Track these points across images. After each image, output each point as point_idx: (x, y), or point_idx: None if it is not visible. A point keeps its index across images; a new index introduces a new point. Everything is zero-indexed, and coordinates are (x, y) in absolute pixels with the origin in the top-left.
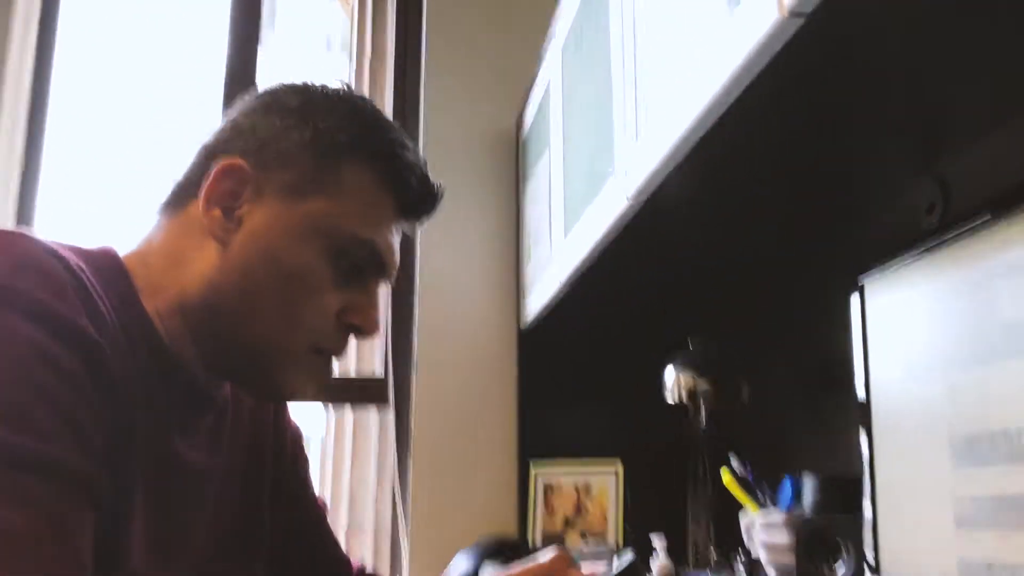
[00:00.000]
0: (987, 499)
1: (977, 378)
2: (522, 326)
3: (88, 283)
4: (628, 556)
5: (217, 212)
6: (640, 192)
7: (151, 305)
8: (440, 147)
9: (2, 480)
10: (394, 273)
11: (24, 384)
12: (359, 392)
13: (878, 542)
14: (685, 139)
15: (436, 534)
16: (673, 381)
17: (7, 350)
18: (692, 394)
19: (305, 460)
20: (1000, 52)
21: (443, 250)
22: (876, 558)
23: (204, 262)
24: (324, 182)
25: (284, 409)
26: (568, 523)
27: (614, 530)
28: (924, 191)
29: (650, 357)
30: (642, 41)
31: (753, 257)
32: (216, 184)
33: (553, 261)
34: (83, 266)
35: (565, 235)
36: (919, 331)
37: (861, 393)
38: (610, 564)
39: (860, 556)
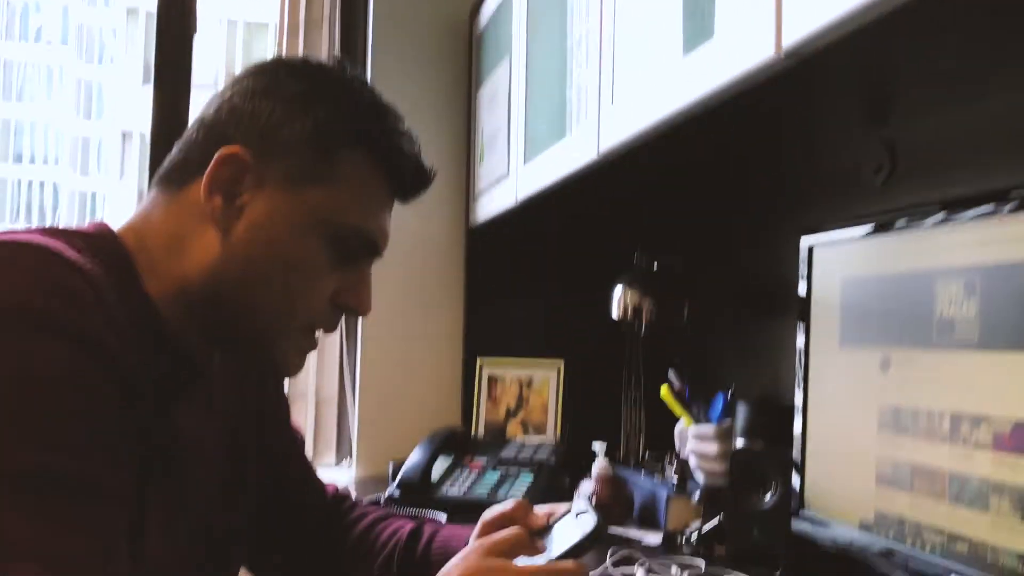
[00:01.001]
0: (906, 465)
1: (910, 357)
2: (471, 224)
3: (104, 291)
4: (590, 519)
5: (218, 199)
6: (612, 151)
7: (152, 288)
8: (390, 33)
9: (54, 506)
10: (384, 250)
11: (61, 408)
12: None
13: (804, 480)
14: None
15: (383, 416)
16: (619, 296)
17: (41, 373)
18: (636, 310)
19: (286, 399)
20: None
21: None
22: (801, 494)
23: (205, 250)
24: (323, 173)
25: None
26: (510, 414)
27: (553, 424)
28: (872, 151)
29: (597, 268)
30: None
31: (707, 193)
32: (217, 171)
33: (510, 179)
34: (92, 262)
35: (525, 162)
36: (861, 295)
37: (800, 340)
38: (576, 520)
39: (787, 489)
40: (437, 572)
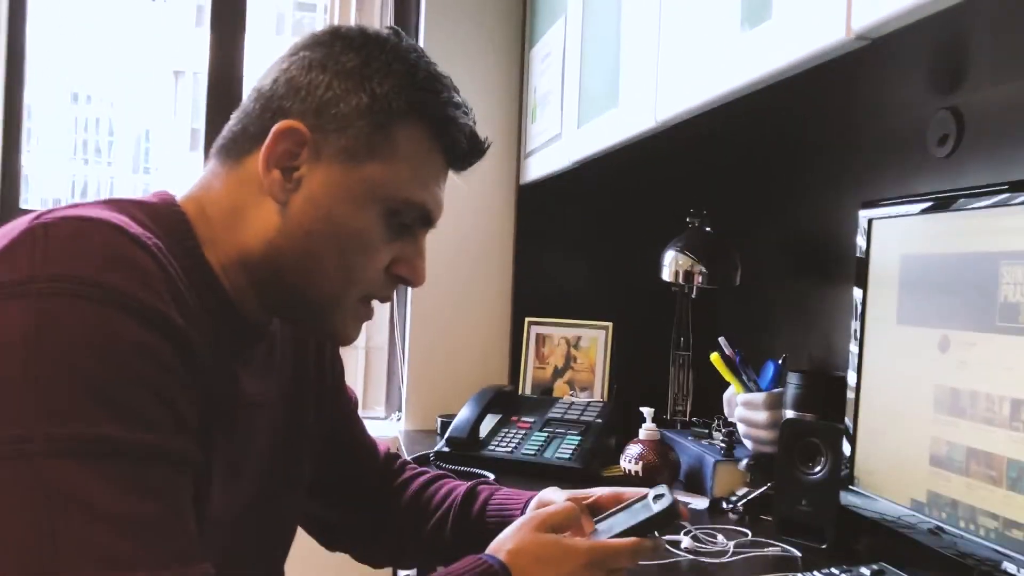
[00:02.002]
0: (961, 447)
1: (970, 340)
2: (521, 181)
3: (167, 263)
4: (666, 497)
5: (276, 173)
6: (669, 121)
7: (213, 257)
8: None
9: (126, 473)
10: (437, 221)
11: (130, 379)
12: None
13: (855, 454)
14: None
15: (432, 371)
16: (671, 258)
17: (110, 346)
18: (688, 273)
19: (340, 359)
20: None
21: None
22: (851, 468)
23: (264, 222)
24: (379, 146)
25: None
26: (558, 374)
27: (600, 385)
28: (939, 121)
29: (649, 230)
30: None
31: (765, 158)
32: (275, 145)
33: (563, 141)
34: (156, 235)
35: (578, 126)
36: (920, 273)
37: (857, 313)
38: (645, 503)
39: (837, 463)
40: (491, 535)
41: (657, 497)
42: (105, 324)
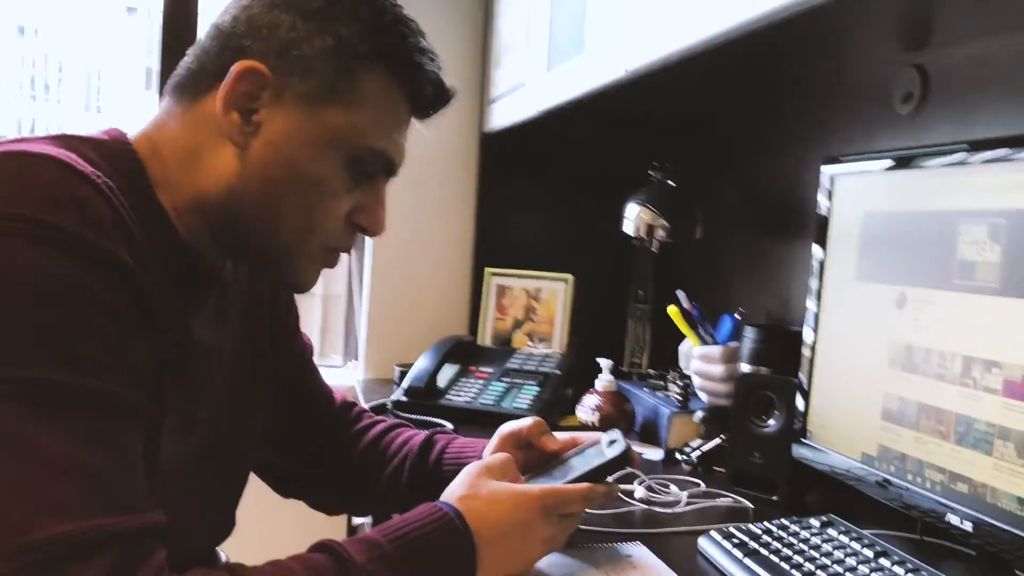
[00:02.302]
0: (913, 402)
1: (927, 297)
2: (484, 128)
3: (118, 203)
4: (620, 443)
5: (235, 116)
6: (640, 69)
7: (167, 200)
8: None
9: (72, 419)
10: (399, 169)
11: (78, 324)
12: None
13: (808, 408)
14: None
15: (391, 320)
16: (633, 212)
17: (53, 288)
18: (650, 227)
19: (296, 308)
20: None
21: None
22: (804, 422)
23: (222, 166)
24: (343, 91)
25: None
26: (518, 325)
27: (560, 336)
28: (904, 78)
29: (612, 183)
30: None
31: (730, 114)
32: (234, 85)
33: (529, 88)
34: (106, 173)
35: (547, 69)
36: (881, 230)
37: (816, 269)
38: (598, 448)
39: (790, 416)
40: (447, 484)
41: (611, 443)
42: (47, 264)
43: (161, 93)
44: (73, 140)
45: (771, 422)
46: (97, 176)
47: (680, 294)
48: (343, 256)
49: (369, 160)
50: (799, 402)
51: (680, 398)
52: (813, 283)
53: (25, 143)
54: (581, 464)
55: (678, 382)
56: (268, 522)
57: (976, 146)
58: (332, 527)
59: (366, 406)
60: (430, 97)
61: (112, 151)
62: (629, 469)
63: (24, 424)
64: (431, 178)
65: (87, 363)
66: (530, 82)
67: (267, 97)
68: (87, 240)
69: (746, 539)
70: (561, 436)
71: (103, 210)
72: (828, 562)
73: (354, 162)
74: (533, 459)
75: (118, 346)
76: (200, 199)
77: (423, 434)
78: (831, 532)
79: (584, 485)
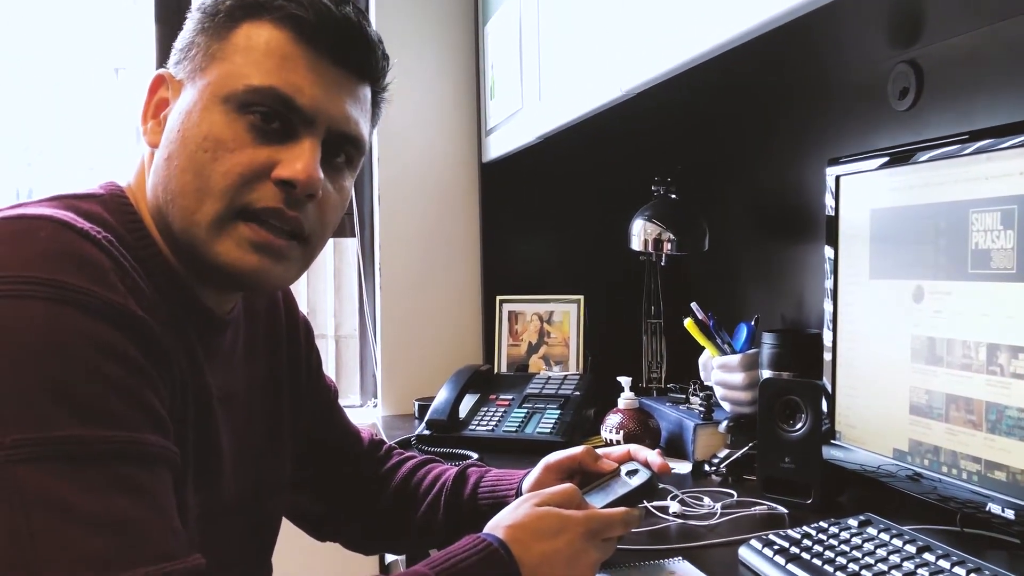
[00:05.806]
0: (940, 394)
1: (944, 288)
2: (484, 159)
3: (120, 256)
4: (641, 472)
5: (152, 123)
6: (636, 88)
7: (159, 240)
8: None
9: (97, 471)
10: (327, 120)
11: (96, 379)
12: None
13: (835, 409)
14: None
15: (405, 355)
16: (638, 227)
17: (72, 346)
18: (656, 241)
19: (316, 350)
20: None
21: (400, 77)
22: (832, 423)
23: (150, 174)
24: (219, 52)
25: (294, 307)
26: (532, 349)
27: (575, 358)
28: (898, 75)
29: (614, 200)
30: None
31: (730, 123)
32: (148, 99)
33: (526, 115)
34: (106, 227)
35: (540, 98)
36: (890, 226)
37: (828, 270)
38: (621, 479)
39: (818, 419)
40: (484, 516)
41: (630, 473)
42: (57, 321)
43: None
44: (69, 199)
45: (799, 426)
46: (96, 232)
47: (694, 306)
48: (352, 295)
49: (259, 101)
50: (823, 403)
51: (703, 409)
52: (828, 284)
53: (22, 207)
54: (606, 495)
55: (699, 394)
56: (304, 561)
57: (979, 135)
58: (367, 567)
59: (392, 443)
60: (312, 21)
61: (108, 204)
62: (661, 485)
63: (51, 483)
64: (435, 212)
65: (106, 415)
66: (526, 109)
67: (171, 95)
68: (95, 294)
69: (787, 545)
70: (608, 451)
71: (105, 264)
72: (872, 561)
73: (243, 108)
74: None
75: (136, 396)
76: (158, 222)
77: (455, 468)
78: (870, 531)
79: (622, 509)
